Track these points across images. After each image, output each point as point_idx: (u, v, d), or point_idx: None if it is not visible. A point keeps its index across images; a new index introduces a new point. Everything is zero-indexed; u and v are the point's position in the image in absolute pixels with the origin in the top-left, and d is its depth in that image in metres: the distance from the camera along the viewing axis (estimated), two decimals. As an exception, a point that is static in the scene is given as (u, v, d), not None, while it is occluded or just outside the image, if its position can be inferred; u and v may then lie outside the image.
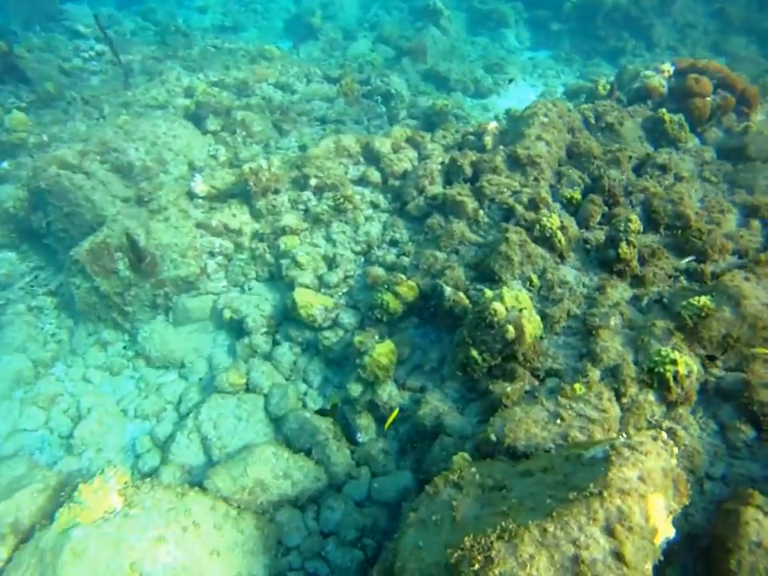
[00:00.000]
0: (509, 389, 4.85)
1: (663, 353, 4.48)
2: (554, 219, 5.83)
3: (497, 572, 2.65)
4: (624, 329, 5.07)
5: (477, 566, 2.67)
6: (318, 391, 6.45)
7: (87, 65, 11.68)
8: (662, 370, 4.41)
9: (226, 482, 4.94)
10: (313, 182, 7.55)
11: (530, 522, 2.80)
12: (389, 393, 5.79)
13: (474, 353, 5.07)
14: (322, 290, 6.89)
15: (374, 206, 7.41)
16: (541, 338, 5.27)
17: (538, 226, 5.83)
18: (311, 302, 6.54)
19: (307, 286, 6.78)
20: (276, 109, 9.85)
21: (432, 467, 4.89)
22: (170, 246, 7.33)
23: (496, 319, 4.91)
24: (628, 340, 4.91)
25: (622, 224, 5.42)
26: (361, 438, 4.91)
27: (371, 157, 7.78)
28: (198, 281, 7.49)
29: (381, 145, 7.68)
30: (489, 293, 5.09)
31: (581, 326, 5.27)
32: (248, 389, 6.40)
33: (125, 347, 7.52)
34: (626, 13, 13.18)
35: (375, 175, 7.53)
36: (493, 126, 7.32)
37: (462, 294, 5.80)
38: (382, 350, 5.77)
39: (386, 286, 6.27)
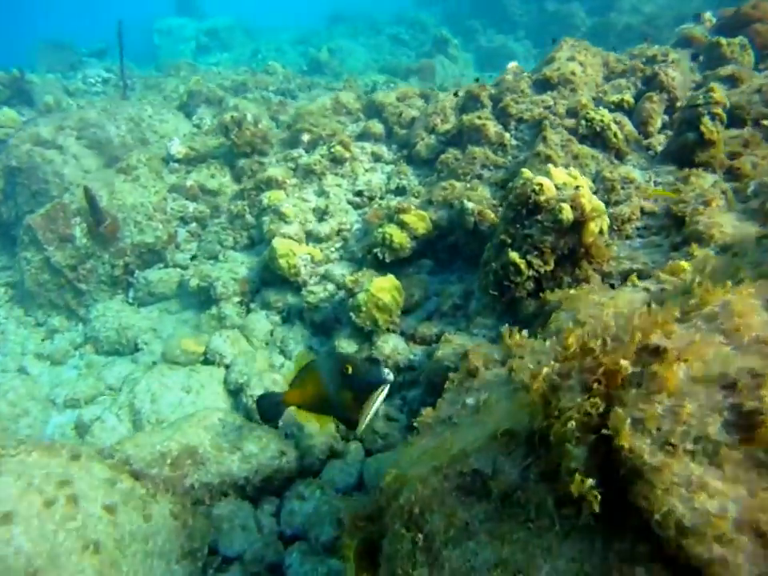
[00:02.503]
0: (572, 291, 3.20)
1: (813, 210, 2.87)
2: (603, 112, 4.48)
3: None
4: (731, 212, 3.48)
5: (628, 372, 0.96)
6: (301, 363, 4.78)
7: (91, 88, 11.45)
8: (817, 230, 2.76)
9: (141, 448, 3.21)
10: (305, 137, 6.44)
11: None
12: (393, 345, 4.12)
13: (515, 256, 3.49)
14: (311, 245, 5.47)
15: (377, 158, 6.19)
16: (606, 245, 3.68)
17: (583, 122, 4.47)
18: (293, 250, 5.10)
19: (291, 238, 5.37)
20: (273, 105, 9.10)
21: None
22: (135, 207, 6.12)
23: (543, 198, 3.39)
24: (744, 217, 3.31)
25: (701, 96, 4.03)
26: (389, 374, 2.34)
27: (374, 112, 6.72)
28: (166, 250, 6.16)
29: (384, 96, 6.65)
30: (527, 171, 3.61)
31: (665, 221, 3.69)
32: (206, 360, 4.78)
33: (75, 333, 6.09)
34: (638, 33, 12.82)
35: (378, 127, 6.40)
36: (514, 64, 6.27)
37: (488, 211, 4.33)
38: (384, 285, 4.20)
39: (388, 218, 4.85)
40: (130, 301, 6.08)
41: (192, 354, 4.74)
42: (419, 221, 4.70)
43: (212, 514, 3.15)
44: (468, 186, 4.80)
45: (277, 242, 5.11)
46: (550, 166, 3.59)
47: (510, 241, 3.55)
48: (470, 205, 4.29)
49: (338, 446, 3.54)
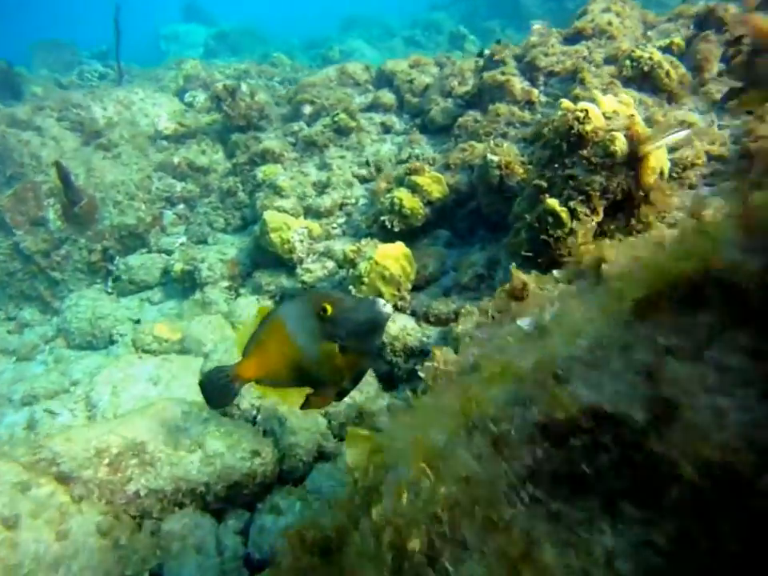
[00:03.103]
0: (632, 239, 2.44)
1: None
2: (652, 50, 3.76)
3: None
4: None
5: None
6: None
7: (87, 83, 11.03)
8: None
9: (72, 443, 2.49)
10: (307, 109, 5.82)
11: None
12: (401, 324, 3.38)
13: (554, 204, 2.74)
14: (309, 219, 4.78)
15: (387, 128, 5.53)
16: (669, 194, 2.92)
17: (628, 62, 3.75)
18: (287, 224, 4.41)
19: (286, 212, 4.70)
20: (278, 92, 8.55)
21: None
22: (115, 186, 5.52)
23: (589, 128, 2.66)
24: None
25: (781, 17, 3.30)
26: (386, 305, 1.65)
27: (384, 82, 6.08)
28: (149, 233, 5.53)
29: (395, 64, 6.01)
30: (567, 101, 2.89)
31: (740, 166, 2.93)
32: (183, 350, 4.09)
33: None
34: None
35: (388, 97, 5.75)
36: (539, 25, 5.60)
37: (517, 165, 3.60)
38: (390, 252, 3.48)
39: (398, 182, 4.16)
40: (109, 290, 5.44)
41: (165, 342, 4.06)
42: (434, 183, 3.99)
43: (161, 530, 2.41)
44: (492, 144, 4.09)
45: (269, 215, 4.44)
46: (596, 92, 2.87)
47: (546, 186, 2.81)
48: (494, 157, 3.58)
49: (328, 446, 2.79)
